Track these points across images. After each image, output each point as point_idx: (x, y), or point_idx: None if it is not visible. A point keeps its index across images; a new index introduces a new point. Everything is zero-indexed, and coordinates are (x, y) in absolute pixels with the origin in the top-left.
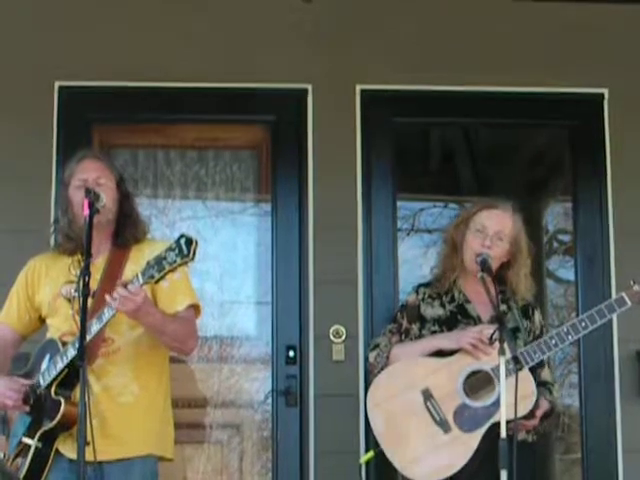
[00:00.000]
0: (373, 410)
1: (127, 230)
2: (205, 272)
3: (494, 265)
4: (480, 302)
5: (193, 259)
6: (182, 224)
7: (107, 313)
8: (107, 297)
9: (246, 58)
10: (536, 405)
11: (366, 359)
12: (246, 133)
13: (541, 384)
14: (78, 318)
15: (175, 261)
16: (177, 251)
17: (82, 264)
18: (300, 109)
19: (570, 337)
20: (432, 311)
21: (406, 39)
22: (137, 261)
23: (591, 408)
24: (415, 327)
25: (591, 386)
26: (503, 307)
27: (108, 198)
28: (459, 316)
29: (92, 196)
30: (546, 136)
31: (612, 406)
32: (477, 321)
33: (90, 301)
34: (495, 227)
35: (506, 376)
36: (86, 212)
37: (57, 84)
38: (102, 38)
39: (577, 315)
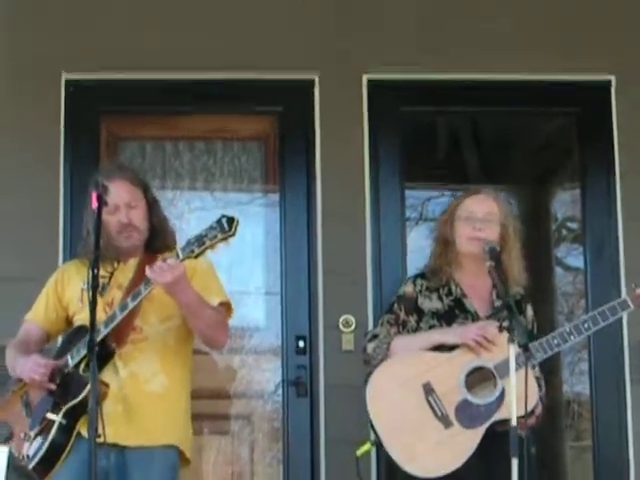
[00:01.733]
0: (372, 402)
1: (159, 241)
2: (214, 263)
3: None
4: (476, 297)
5: (234, 235)
6: (190, 215)
7: (144, 290)
8: (147, 270)
9: (253, 49)
10: (536, 403)
11: (363, 349)
12: (253, 124)
13: None
14: (108, 309)
15: (216, 236)
16: (218, 229)
17: (115, 265)
18: (307, 99)
19: (572, 337)
20: (430, 304)
21: (412, 28)
22: None
23: (601, 395)
24: (412, 319)
25: (601, 373)
26: (499, 303)
27: (140, 219)
28: (457, 310)
29: (101, 189)
30: (553, 123)
31: (622, 392)
32: (475, 316)
33: (120, 295)
34: (483, 209)
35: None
36: (95, 205)
37: (64, 76)
38: (108, 30)
39: (586, 302)
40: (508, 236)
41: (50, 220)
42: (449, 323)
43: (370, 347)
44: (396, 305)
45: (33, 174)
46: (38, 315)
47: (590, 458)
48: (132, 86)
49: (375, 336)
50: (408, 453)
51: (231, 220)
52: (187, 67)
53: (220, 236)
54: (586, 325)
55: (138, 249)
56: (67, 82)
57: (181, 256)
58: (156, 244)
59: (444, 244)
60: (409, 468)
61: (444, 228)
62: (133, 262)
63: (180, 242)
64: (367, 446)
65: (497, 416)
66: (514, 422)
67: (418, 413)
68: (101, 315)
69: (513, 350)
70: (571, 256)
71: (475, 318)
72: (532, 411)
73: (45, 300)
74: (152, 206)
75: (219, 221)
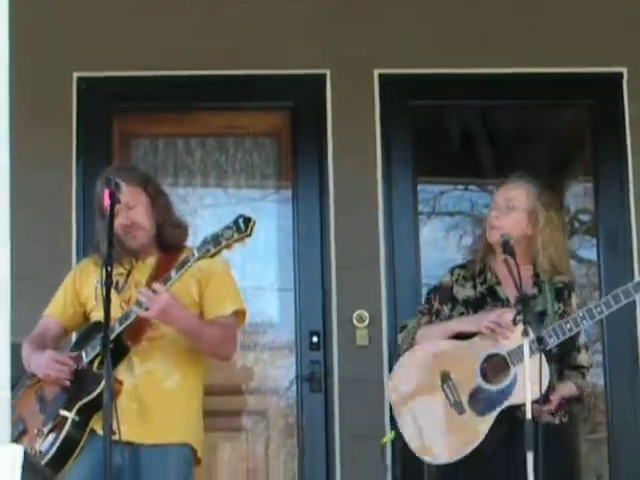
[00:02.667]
0: (393, 393)
1: (169, 237)
2: (227, 259)
3: (513, 236)
4: (510, 284)
5: (250, 235)
6: (203, 212)
7: (133, 312)
8: (139, 295)
9: (264, 44)
10: (550, 390)
11: (395, 341)
12: (265, 120)
13: (575, 368)
14: (125, 306)
15: (232, 236)
16: (234, 228)
17: (133, 263)
18: (319, 94)
19: (585, 322)
20: (463, 292)
21: (423, 22)
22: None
23: (616, 386)
24: (446, 308)
25: (615, 364)
26: (534, 290)
27: (142, 217)
28: (488, 298)
29: (113, 186)
30: (566, 116)
31: (636, 383)
32: (505, 303)
33: (135, 292)
34: (503, 197)
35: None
36: (107, 203)
37: (75, 75)
38: (120, 28)
39: (600, 294)
40: (537, 222)
41: (63, 218)
42: (477, 311)
43: (399, 337)
44: (432, 295)
45: (45, 172)
46: (56, 310)
47: (605, 451)
48: (144, 83)
49: (405, 327)
50: (424, 442)
51: (247, 220)
52: (199, 64)
53: (236, 236)
54: (599, 309)
55: (150, 247)
56: (79, 80)
57: (196, 255)
58: (167, 240)
59: (483, 234)
60: (426, 457)
61: (484, 220)
62: (151, 260)
63: (194, 237)
64: (392, 434)
65: (509, 402)
66: (528, 415)
67: (434, 401)
68: (118, 313)
69: (527, 343)
70: (584, 248)
71: (505, 305)
72: (547, 398)
73: (63, 296)
74: (155, 201)
75: (236, 221)
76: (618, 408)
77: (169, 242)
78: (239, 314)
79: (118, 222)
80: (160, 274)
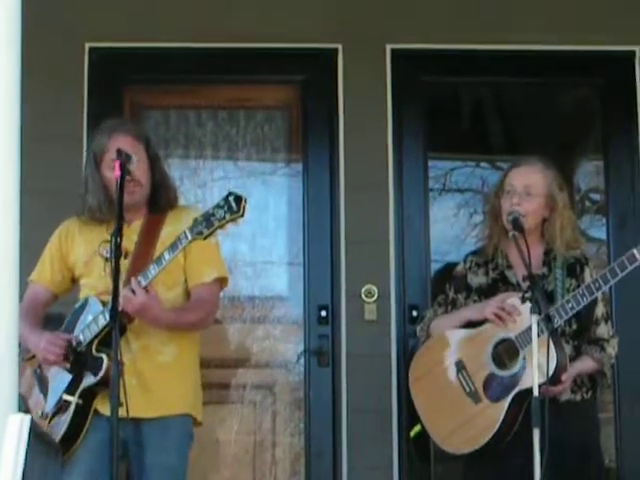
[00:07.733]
0: (413, 386)
1: (162, 198)
2: (237, 233)
3: (531, 222)
4: (520, 267)
5: (243, 215)
6: (214, 184)
7: (154, 270)
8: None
9: (276, 18)
10: (561, 370)
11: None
12: (277, 93)
13: (593, 341)
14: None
15: (224, 217)
16: (226, 208)
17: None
18: (331, 69)
19: (585, 299)
20: (477, 279)
21: None
22: (174, 224)
23: (624, 365)
24: (461, 297)
25: (623, 342)
26: (544, 269)
27: (142, 173)
28: (499, 284)
29: (124, 157)
30: (577, 94)
31: None
32: (516, 287)
33: (126, 262)
34: (522, 183)
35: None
36: (117, 173)
37: (87, 45)
38: None
39: None
40: (555, 206)
41: (73, 189)
42: (490, 298)
43: (417, 329)
44: (447, 285)
45: (56, 143)
46: (44, 277)
47: (612, 430)
48: (156, 55)
49: (422, 318)
50: (445, 433)
51: (239, 199)
52: (210, 36)
53: (228, 217)
54: (597, 284)
55: (141, 207)
56: (90, 50)
57: (189, 237)
58: (159, 201)
59: (493, 218)
60: (447, 447)
61: (494, 200)
62: (137, 224)
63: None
64: (418, 427)
65: (520, 386)
66: (536, 392)
67: (451, 392)
68: (108, 284)
69: (535, 320)
70: (594, 227)
71: (517, 289)
72: (558, 378)
73: (50, 262)
74: (154, 161)
75: (226, 199)
76: (626, 387)
77: (161, 204)
78: (221, 281)
79: (113, 175)
80: (147, 239)
